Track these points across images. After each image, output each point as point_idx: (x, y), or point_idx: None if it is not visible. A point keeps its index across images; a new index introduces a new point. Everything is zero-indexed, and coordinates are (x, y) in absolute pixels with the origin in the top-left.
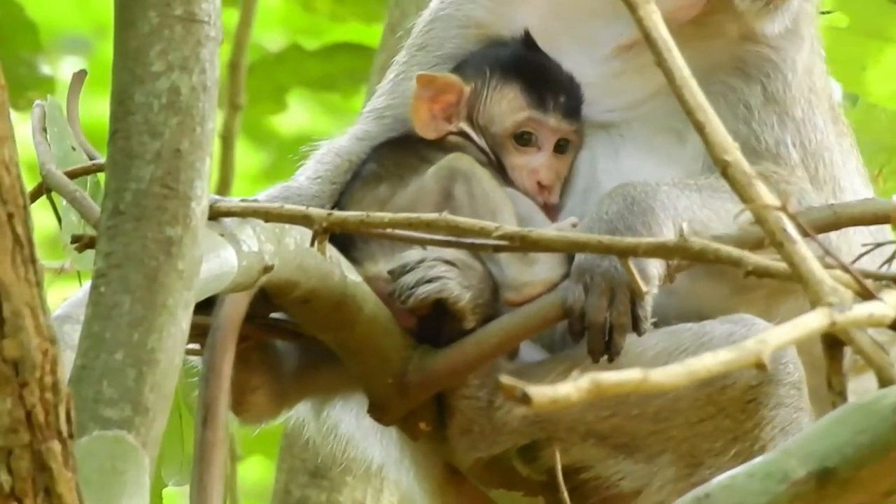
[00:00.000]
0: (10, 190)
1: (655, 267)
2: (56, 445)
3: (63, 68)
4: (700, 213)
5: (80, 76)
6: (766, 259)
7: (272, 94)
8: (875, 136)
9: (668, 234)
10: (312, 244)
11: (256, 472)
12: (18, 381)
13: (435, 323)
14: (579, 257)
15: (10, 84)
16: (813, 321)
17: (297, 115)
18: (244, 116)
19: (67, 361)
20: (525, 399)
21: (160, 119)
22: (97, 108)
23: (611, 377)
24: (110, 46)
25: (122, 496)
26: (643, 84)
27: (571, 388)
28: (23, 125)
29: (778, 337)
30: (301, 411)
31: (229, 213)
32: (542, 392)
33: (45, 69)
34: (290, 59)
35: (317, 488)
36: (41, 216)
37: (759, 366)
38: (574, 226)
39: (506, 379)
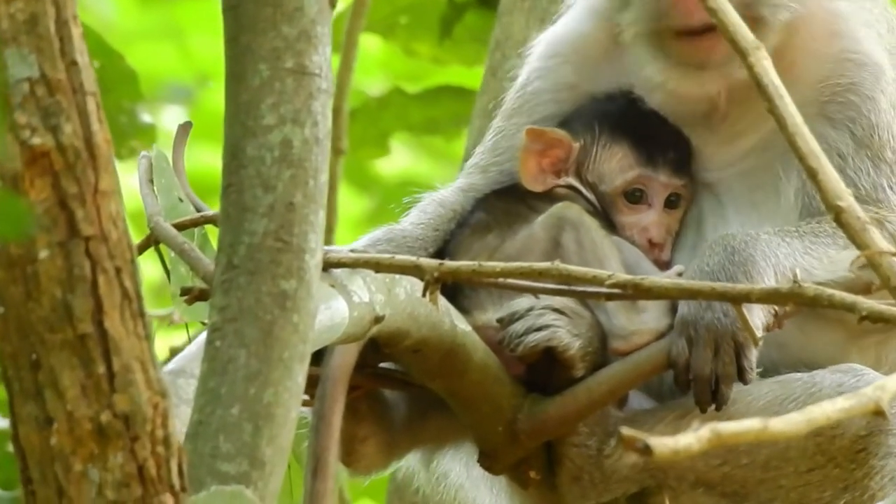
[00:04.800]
0: (117, 244)
1: (760, 318)
2: (168, 499)
3: (164, 117)
4: (802, 260)
5: (185, 128)
6: (879, 304)
7: (375, 139)
8: None
9: (769, 283)
10: (424, 294)
11: None
12: (129, 435)
13: (544, 371)
14: (682, 310)
15: (112, 133)
16: None
17: (399, 159)
18: (347, 161)
19: (183, 416)
20: (646, 450)
21: (273, 172)
22: (200, 157)
23: (731, 427)
24: (212, 95)
25: None
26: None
27: (692, 438)
28: (125, 175)
29: None
30: (411, 461)
31: (340, 264)
32: (664, 443)
33: (147, 118)
34: (393, 103)
35: None
36: (148, 265)
37: (878, 412)
38: (680, 274)
39: (626, 430)
